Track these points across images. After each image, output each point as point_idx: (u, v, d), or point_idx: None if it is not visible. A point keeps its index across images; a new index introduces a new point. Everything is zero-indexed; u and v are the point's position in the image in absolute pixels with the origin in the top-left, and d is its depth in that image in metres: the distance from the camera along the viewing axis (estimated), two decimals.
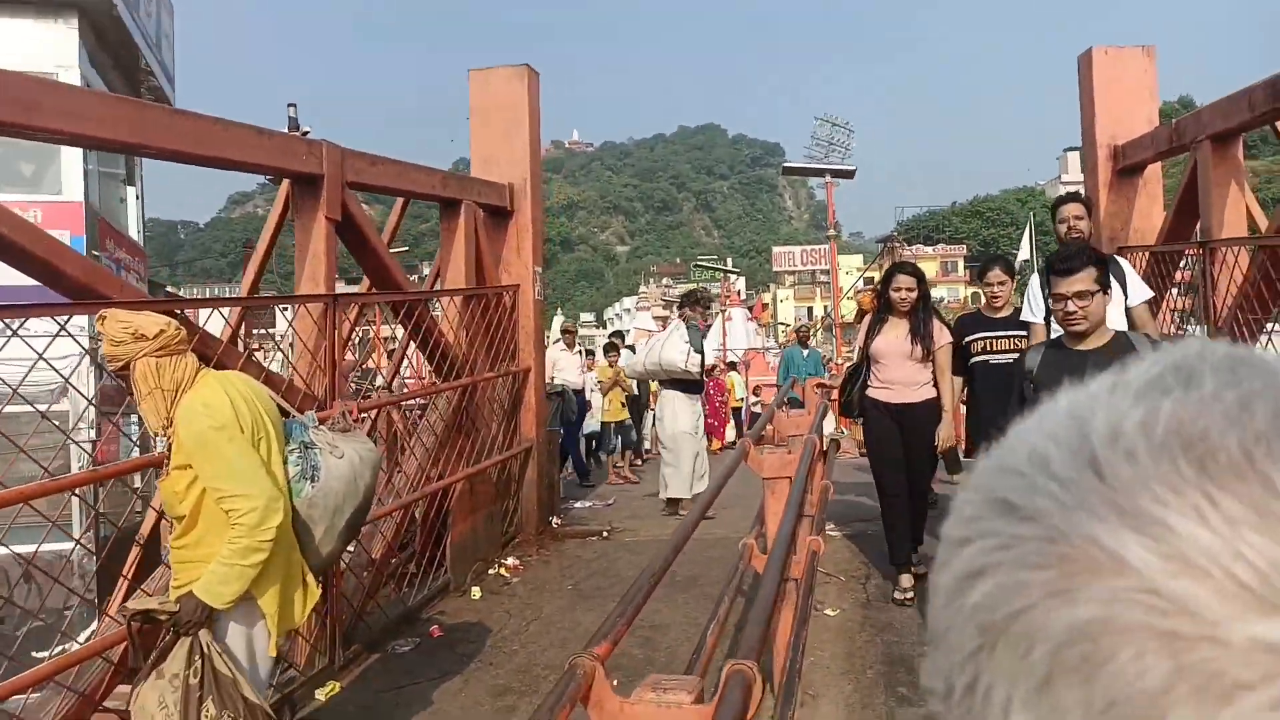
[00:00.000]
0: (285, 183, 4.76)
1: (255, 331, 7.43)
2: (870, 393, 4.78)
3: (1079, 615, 0.24)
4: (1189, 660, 0.22)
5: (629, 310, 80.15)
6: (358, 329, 7.26)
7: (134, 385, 2.50)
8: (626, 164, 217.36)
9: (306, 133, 9.09)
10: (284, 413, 2.79)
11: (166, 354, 2.51)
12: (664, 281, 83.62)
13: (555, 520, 6.65)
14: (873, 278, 44.84)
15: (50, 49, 8.30)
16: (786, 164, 23.70)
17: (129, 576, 3.45)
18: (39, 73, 6.16)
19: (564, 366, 9.83)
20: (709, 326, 7.58)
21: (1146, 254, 6.32)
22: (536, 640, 4.43)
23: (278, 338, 5.13)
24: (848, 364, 8.25)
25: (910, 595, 4.69)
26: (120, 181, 10.63)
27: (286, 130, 9.37)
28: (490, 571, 5.52)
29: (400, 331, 7.33)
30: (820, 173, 21.84)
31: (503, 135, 7.01)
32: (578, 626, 4.59)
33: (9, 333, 2.67)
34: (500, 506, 6.12)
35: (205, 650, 2.39)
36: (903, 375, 4.68)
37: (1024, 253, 31.67)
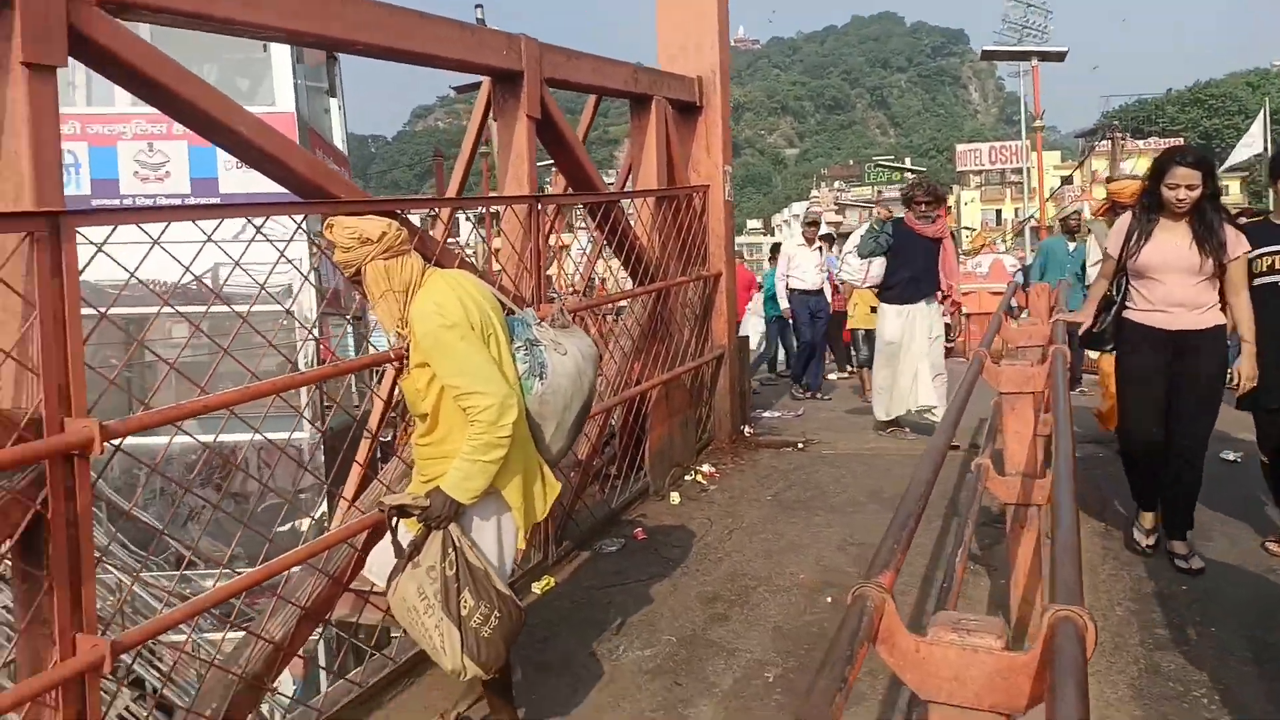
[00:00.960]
0: (486, 81, 4.68)
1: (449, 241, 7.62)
2: (1133, 315, 3.83)
3: None
4: None
5: (797, 216, 77.76)
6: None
7: (367, 289, 2.52)
8: (795, 60, 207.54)
9: None
10: (506, 310, 2.75)
11: (393, 255, 2.52)
12: (836, 184, 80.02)
13: (748, 429, 6.52)
14: (1071, 177, 41.03)
15: None
16: (987, 48, 21.61)
17: (363, 464, 3.61)
18: None
19: (801, 264, 8.78)
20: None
21: None
22: (740, 549, 4.35)
23: (464, 244, 5.17)
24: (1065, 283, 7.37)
25: (1152, 543, 3.97)
26: (324, 93, 11.11)
27: None
28: (687, 478, 5.48)
29: (582, 237, 7.25)
30: (1025, 55, 19.78)
31: (690, 25, 6.65)
32: (781, 538, 4.48)
33: (252, 231, 2.73)
34: (694, 413, 6.04)
35: (457, 543, 2.45)
36: (1184, 295, 3.70)
37: (1255, 146, 27.86)
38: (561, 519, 4.37)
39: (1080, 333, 4.09)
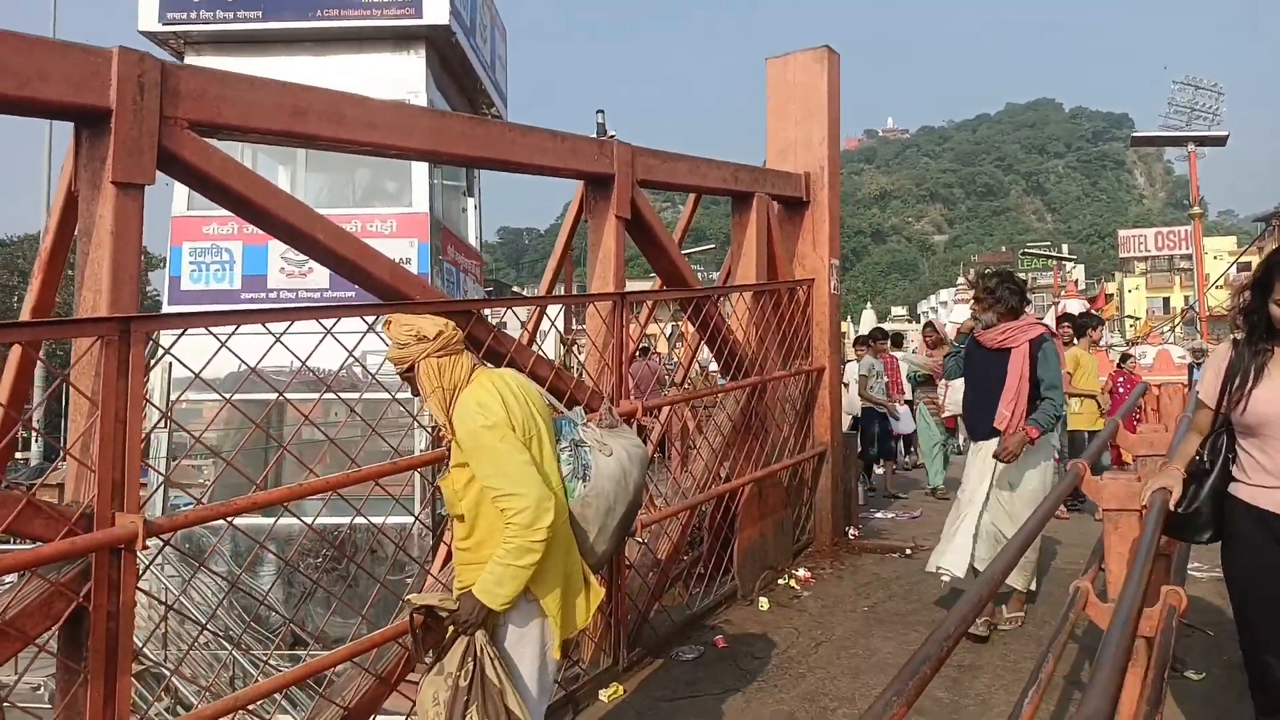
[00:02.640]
0: (579, 184, 4.85)
1: (573, 329, 7.85)
2: (1240, 492, 2.63)
3: None
4: None
5: (944, 303, 75.30)
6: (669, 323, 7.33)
7: (420, 385, 2.57)
8: (945, 149, 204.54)
9: (612, 136, 9.42)
10: (555, 411, 2.74)
11: (447, 354, 2.55)
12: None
13: (853, 532, 6.20)
14: (1250, 263, 37.75)
15: (402, 77, 9.40)
16: (1136, 134, 20.54)
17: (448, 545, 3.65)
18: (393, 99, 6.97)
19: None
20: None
21: None
22: (826, 665, 4.07)
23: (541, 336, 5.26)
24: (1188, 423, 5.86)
25: None
26: (461, 193, 11.86)
27: (595, 135, 9.84)
28: (780, 582, 5.23)
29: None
30: (1180, 141, 18.67)
31: (800, 122, 6.69)
32: (873, 655, 4.16)
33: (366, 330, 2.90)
34: (791, 513, 5.81)
35: (478, 653, 2.37)
36: None
37: None
38: (635, 622, 4.25)
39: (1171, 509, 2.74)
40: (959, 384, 5.71)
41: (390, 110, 3.33)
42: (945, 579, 4.59)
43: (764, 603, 4.89)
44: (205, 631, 6.61)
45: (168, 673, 7.15)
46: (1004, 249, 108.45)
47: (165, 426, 6.02)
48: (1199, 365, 11.91)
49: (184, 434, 4.80)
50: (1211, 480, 2.71)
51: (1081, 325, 8.13)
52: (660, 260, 5.28)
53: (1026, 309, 4.59)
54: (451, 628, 2.46)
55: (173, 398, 8.24)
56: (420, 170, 9.57)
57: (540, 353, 4.21)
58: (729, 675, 4.00)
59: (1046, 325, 4.98)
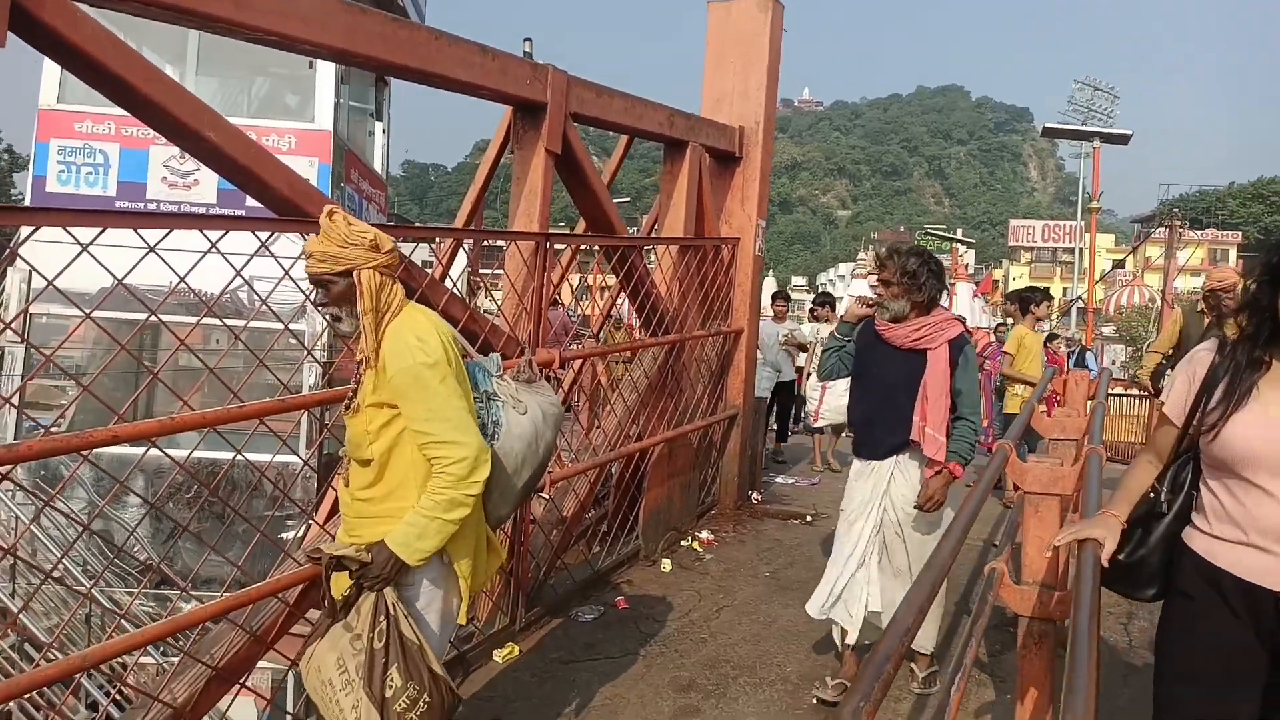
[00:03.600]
0: (507, 110, 4.50)
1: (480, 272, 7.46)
2: (1195, 541, 2.01)
3: None
4: None
5: (843, 276, 77.33)
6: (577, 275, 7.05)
7: (359, 300, 2.15)
8: (856, 125, 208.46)
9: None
10: (465, 354, 2.40)
11: (389, 275, 2.22)
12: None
13: (755, 495, 6.16)
14: (1123, 261, 40.15)
15: None
16: (1049, 125, 21.25)
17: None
18: None
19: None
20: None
21: None
22: (727, 631, 3.98)
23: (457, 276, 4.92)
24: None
25: None
26: (369, 116, 11.13)
27: None
28: (683, 543, 5.13)
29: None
30: (1088, 135, 19.42)
31: (738, 73, 6.46)
32: (774, 622, 4.10)
33: (259, 248, 2.55)
34: (698, 475, 5.71)
35: (391, 611, 2.12)
36: None
37: None
38: (535, 581, 4.05)
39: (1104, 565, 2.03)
40: (841, 387, 5.01)
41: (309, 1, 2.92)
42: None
43: (666, 564, 4.78)
44: (60, 566, 6.05)
45: (13, 609, 6.56)
46: (903, 228, 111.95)
47: (21, 340, 5.39)
48: (1072, 354, 12.32)
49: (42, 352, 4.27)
50: (1165, 523, 2.07)
51: (1025, 299, 7.01)
52: (588, 203, 5.00)
53: (941, 300, 3.63)
54: (352, 583, 2.19)
55: (30, 308, 7.45)
56: (326, 85, 8.88)
57: (456, 290, 3.90)
58: (629, 638, 3.87)
59: (962, 319, 4.54)
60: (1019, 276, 53.91)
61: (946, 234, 49.45)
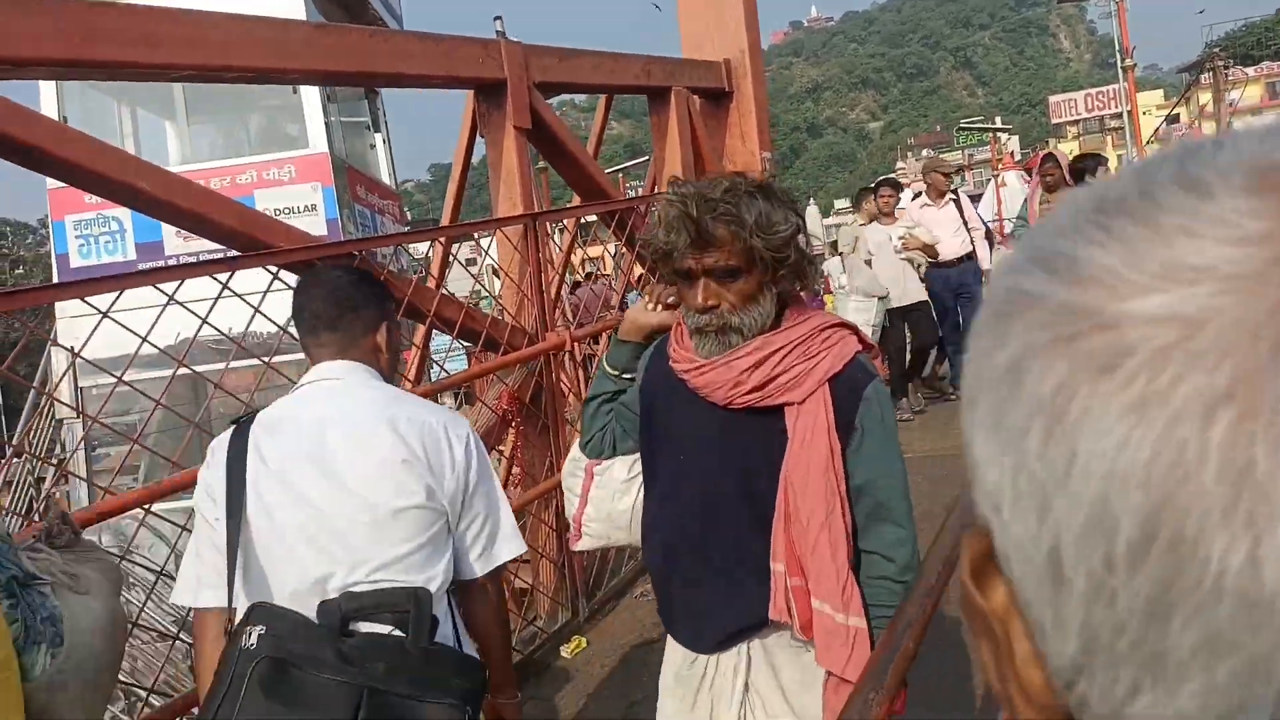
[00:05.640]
0: (468, 96, 4.33)
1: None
2: None
3: (1007, 354, 0.28)
4: (1082, 350, 0.26)
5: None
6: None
7: None
8: (872, 32, 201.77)
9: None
10: None
11: None
12: (924, 153, 77.10)
13: None
14: (1178, 116, 37.99)
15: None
16: None
17: None
18: None
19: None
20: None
21: None
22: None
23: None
24: None
25: None
26: (365, 129, 11.07)
27: None
28: None
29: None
30: None
31: (713, 5, 6.15)
32: None
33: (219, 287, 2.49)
34: None
35: None
36: None
37: None
38: (593, 567, 3.94)
39: None
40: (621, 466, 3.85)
41: (218, 24, 2.79)
42: None
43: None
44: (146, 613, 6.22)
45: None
46: (939, 129, 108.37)
47: (76, 413, 5.51)
48: None
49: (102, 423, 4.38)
50: None
51: (1080, 171, 5.79)
52: (572, 172, 4.81)
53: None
54: None
55: (80, 382, 7.65)
56: (313, 107, 8.82)
57: (447, 292, 3.78)
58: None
59: (851, 325, 1.74)
60: (1070, 152, 51.64)
61: (985, 125, 47.55)
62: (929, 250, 6.35)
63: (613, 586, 4.03)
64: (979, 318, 0.30)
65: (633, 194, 9.01)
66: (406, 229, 11.28)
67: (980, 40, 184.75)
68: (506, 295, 4.05)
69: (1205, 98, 29.92)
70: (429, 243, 4.07)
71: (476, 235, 4.39)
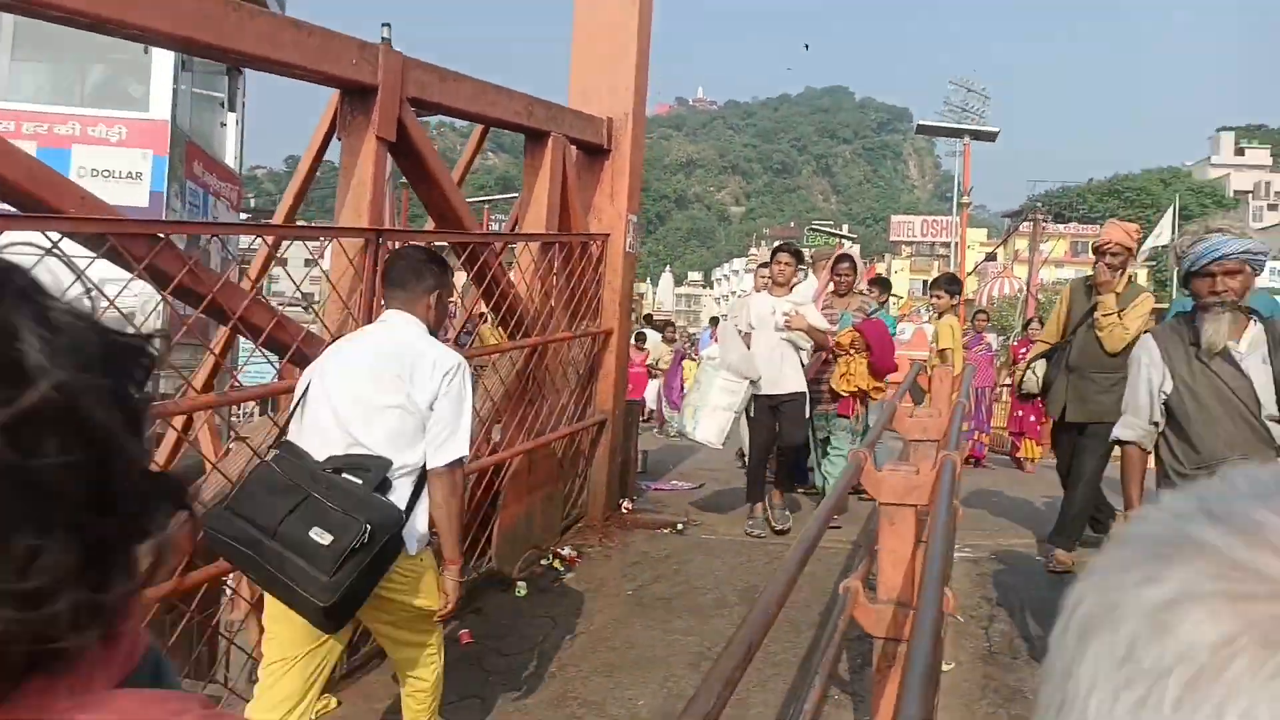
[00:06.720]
0: (334, 94, 4.07)
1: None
2: None
3: (1162, 592, 0.27)
4: (1255, 614, 0.26)
5: (737, 271, 78.64)
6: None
7: None
8: (749, 124, 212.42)
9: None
10: None
11: None
12: (775, 244, 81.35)
13: (626, 505, 5.89)
14: (994, 254, 42.07)
15: None
16: (922, 122, 21.96)
17: None
18: None
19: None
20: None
21: None
22: (579, 661, 3.68)
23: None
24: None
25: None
26: (219, 105, 10.33)
27: None
28: (543, 562, 4.80)
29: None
30: (959, 133, 20.10)
31: (606, 64, 6.17)
32: (630, 649, 3.82)
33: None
34: (563, 487, 5.39)
35: None
36: None
37: (1163, 238, 29.17)
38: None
39: None
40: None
41: None
42: None
43: (522, 588, 4.45)
44: None
45: None
46: (792, 224, 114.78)
47: None
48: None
49: None
50: None
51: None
52: (432, 196, 4.60)
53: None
54: None
55: None
56: (162, 71, 8.12)
57: (264, 299, 3.46)
58: (470, 678, 3.52)
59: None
60: (900, 269, 55.97)
61: (833, 230, 50.82)
62: (815, 335, 5.37)
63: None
64: (1123, 550, 0.30)
65: (498, 229, 8.84)
66: (244, 217, 10.55)
67: (842, 152, 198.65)
68: (331, 310, 3.77)
69: (1021, 244, 33.30)
70: (254, 238, 3.71)
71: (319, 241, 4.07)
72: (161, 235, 2.76)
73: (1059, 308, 5.05)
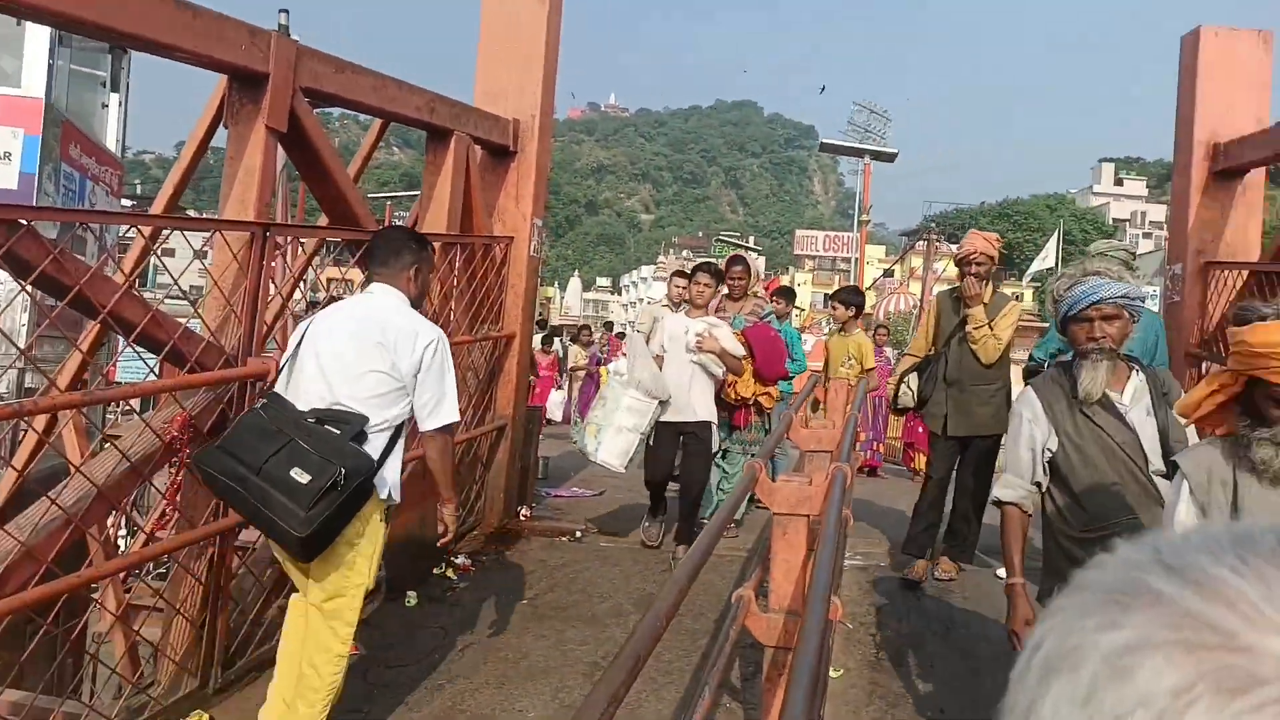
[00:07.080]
0: (221, 80, 3.87)
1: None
2: None
3: (1122, 637, 0.29)
4: (1210, 663, 0.27)
5: (644, 279, 79.10)
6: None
7: None
8: (660, 133, 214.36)
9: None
10: None
11: None
12: (684, 253, 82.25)
13: (524, 512, 5.80)
14: (891, 271, 43.72)
15: None
16: (825, 140, 22.60)
17: None
18: None
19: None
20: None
21: (1245, 272, 5.39)
22: (469, 673, 3.59)
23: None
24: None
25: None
26: (101, 85, 9.73)
27: None
28: (435, 571, 4.68)
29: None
30: (860, 152, 20.77)
31: (514, 65, 6.09)
32: (522, 660, 3.75)
33: None
34: (460, 494, 5.26)
35: None
36: None
37: (1049, 260, 30.98)
38: (240, 630, 3.46)
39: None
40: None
41: None
42: None
43: (412, 597, 4.32)
44: None
45: None
46: (700, 234, 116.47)
47: None
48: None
49: None
50: None
51: (855, 303, 6.83)
52: (326, 191, 4.44)
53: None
54: None
55: None
56: (37, 46, 7.58)
57: (136, 292, 3.24)
58: (353, 692, 3.36)
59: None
60: (803, 283, 57.50)
61: (739, 241, 51.76)
62: (728, 360, 5.06)
63: (262, 653, 3.54)
64: (1082, 595, 0.32)
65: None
66: (127, 204, 9.96)
67: (750, 165, 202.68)
68: (212, 306, 3.57)
69: (916, 262, 34.68)
70: (129, 227, 3.48)
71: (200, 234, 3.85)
72: (24, 221, 2.55)
73: (926, 321, 5.07)
